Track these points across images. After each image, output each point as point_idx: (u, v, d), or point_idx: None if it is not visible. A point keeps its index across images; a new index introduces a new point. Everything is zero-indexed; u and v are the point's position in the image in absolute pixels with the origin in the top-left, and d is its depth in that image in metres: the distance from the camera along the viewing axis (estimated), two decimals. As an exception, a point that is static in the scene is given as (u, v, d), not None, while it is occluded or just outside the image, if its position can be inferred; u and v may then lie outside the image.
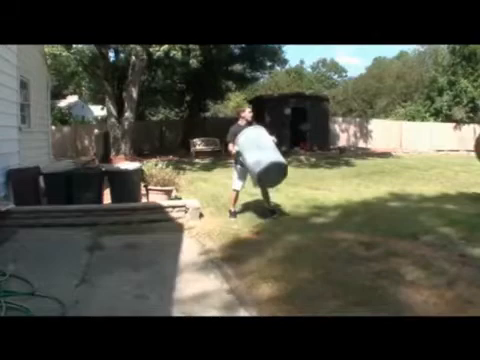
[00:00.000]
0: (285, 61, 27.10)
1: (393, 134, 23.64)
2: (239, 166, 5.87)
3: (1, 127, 6.20)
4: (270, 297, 3.18)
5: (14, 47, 6.72)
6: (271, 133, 5.91)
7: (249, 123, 5.96)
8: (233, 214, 5.93)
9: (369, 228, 5.03)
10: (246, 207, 6.47)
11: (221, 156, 17.40)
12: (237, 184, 5.95)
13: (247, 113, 6.02)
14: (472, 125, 24.77)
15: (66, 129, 21.07)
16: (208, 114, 29.04)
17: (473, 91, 25.81)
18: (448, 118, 26.23)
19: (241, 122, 6.00)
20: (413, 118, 28.92)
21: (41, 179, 6.26)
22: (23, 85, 7.77)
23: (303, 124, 19.90)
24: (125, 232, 5.06)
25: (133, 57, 14.35)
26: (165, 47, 13.11)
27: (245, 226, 5.36)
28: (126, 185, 6.20)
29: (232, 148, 5.79)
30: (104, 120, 20.85)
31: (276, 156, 5.52)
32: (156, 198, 6.27)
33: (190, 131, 20.47)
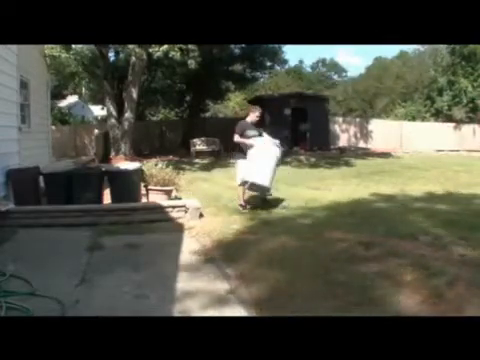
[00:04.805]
0: (285, 61, 27.16)
1: (393, 134, 23.64)
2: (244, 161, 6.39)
3: (1, 127, 6.20)
4: (270, 297, 3.18)
5: (14, 47, 6.72)
6: (270, 133, 6.72)
7: (256, 124, 6.68)
8: (244, 207, 6.35)
9: (369, 228, 5.03)
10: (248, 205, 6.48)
11: (221, 156, 17.42)
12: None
13: (253, 116, 6.68)
14: (472, 125, 24.79)
15: (66, 129, 21.08)
16: (208, 114, 29.05)
17: (473, 91, 25.81)
18: (448, 118, 26.24)
19: (249, 119, 6.73)
20: (413, 118, 28.94)
21: (41, 179, 6.26)
22: (23, 85, 7.77)
23: (303, 124, 19.91)
24: (125, 232, 5.06)
25: (133, 57, 14.34)
26: (164, 47, 13.09)
27: (245, 226, 5.37)
28: (126, 185, 6.19)
29: (238, 139, 6.46)
30: (104, 120, 20.85)
31: (262, 178, 6.14)
32: (156, 198, 6.27)
33: (190, 131, 20.47)
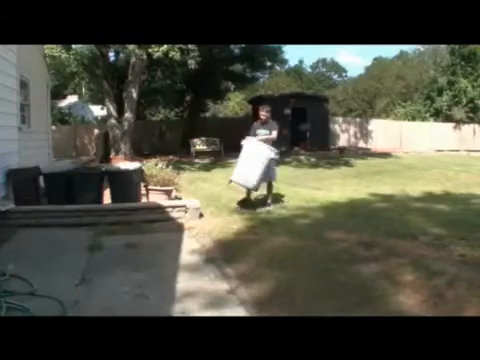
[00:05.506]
0: (285, 61, 27.14)
1: (393, 134, 23.63)
2: None
3: (1, 127, 6.20)
4: (270, 297, 3.18)
5: (14, 47, 6.72)
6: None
7: (263, 122, 6.70)
8: (242, 205, 6.46)
9: (369, 228, 5.03)
10: (248, 205, 6.50)
11: (221, 156, 17.42)
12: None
13: (260, 113, 6.82)
14: (472, 125, 24.80)
15: (66, 129, 21.06)
16: (208, 114, 29.05)
17: (472, 91, 25.80)
18: (448, 118, 26.23)
19: (260, 120, 6.77)
20: (413, 118, 28.91)
21: (41, 179, 6.26)
22: (23, 85, 7.77)
23: (303, 124, 19.89)
24: (125, 232, 5.06)
25: (133, 57, 14.34)
26: (164, 48, 13.07)
27: (245, 226, 5.37)
28: (126, 185, 6.19)
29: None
30: (104, 120, 20.84)
31: (244, 178, 6.25)
32: (156, 198, 6.27)
33: (190, 131, 20.45)
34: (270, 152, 6.24)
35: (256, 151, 6.25)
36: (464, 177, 10.78)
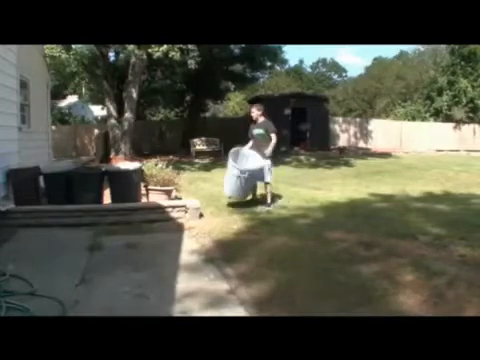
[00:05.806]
0: (285, 61, 27.15)
1: (393, 134, 23.63)
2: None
3: (1, 127, 6.20)
4: (270, 297, 3.18)
5: (14, 47, 6.72)
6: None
7: (255, 121, 6.76)
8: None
9: (369, 228, 5.03)
10: (248, 205, 6.50)
11: (221, 156, 17.43)
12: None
13: (251, 111, 6.91)
14: (472, 125, 24.81)
15: (66, 129, 21.06)
16: (208, 114, 29.05)
17: (472, 91, 25.79)
18: (448, 118, 26.24)
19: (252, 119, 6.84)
20: (413, 118, 28.91)
21: (41, 179, 6.26)
22: (23, 85, 7.77)
23: (303, 124, 19.90)
24: (125, 232, 5.06)
25: (133, 57, 14.34)
26: (164, 48, 13.07)
27: (245, 226, 5.37)
28: (126, 185, 6.19)
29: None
30: (104, 120, 20.84)
31: (229, 190, 6.61)
32: (156, 198, 6.27)
33: (190, 131, 20.45)
34: (234, 169, 6.33)
35: (229, 166, 6.47)
36: (464, 177, 10.79)
